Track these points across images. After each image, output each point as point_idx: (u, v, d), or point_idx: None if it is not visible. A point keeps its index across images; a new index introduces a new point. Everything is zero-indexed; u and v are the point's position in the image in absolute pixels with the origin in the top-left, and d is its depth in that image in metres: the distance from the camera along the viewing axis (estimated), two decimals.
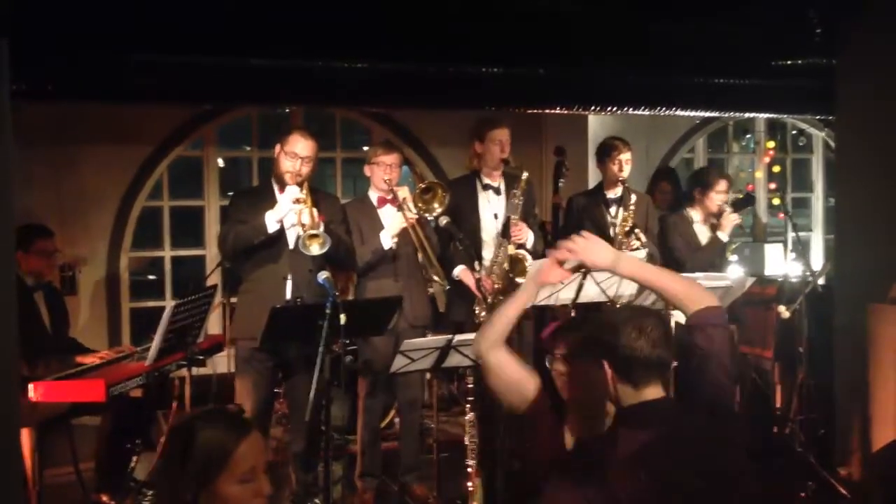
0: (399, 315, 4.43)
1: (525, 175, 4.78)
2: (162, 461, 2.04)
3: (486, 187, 4.88)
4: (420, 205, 4.55)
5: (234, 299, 5.22)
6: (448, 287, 4.77)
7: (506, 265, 4.69)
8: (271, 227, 4.25)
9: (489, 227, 4.84)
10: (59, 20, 3.97)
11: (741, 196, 5.73)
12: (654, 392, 2.30)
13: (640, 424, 2.27)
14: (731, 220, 5.28)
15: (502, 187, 4.89)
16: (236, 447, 1.96)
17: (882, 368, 4.37)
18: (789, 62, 5.26)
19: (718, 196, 5.31)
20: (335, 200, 4.79)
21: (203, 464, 1.94)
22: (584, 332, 2.58)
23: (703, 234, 5.39)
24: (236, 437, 1.97)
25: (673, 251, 5.36)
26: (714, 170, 5.99)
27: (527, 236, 4.75)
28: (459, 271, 4.70)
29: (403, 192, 4.59)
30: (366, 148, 7.97)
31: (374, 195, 4.74)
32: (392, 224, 4.55)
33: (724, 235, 5.31)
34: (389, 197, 4.63)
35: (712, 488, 2.21)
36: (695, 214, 5.41)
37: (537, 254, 4.75)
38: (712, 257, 5.28)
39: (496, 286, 4.69)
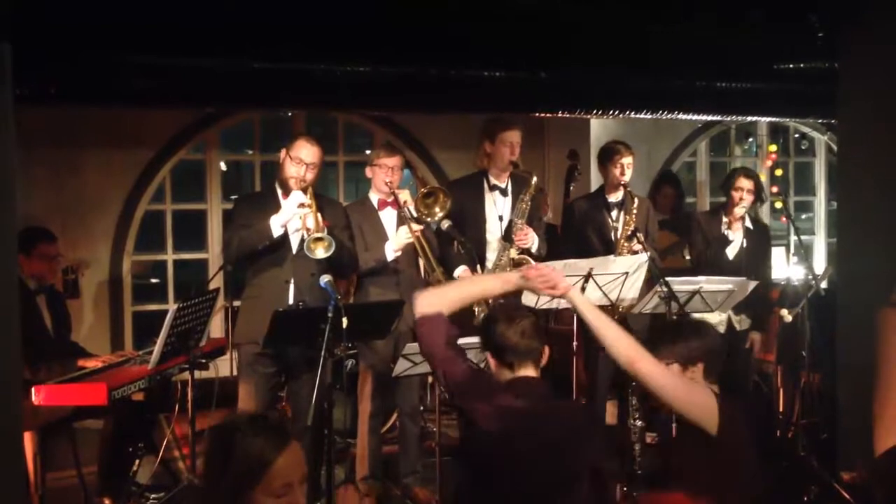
0: (400, 318, 4.43)
1: (535, 180, 4.78)
2: (203, 465, 2.02)
3: (493, 188, 4.86)
4: (422, 209, 4.55)
5: (236, 303, 5.22)
6: None
7: (509, 269, 4.68)
8: (276, 231, 4.25)
9: (494, 229, 4.83)
10: (61, 24, 3.98)
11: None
12: (527, 371, 2.81)
13: (516, 394, 2.75)
14: (736, 214, 5.31)
15: (510, 188, 4.88)
16: (274, 460, 1.92)
17: (886, 372, 4.36)
18: (791, 66, 5.27)
19: (737, 193, 5.32)
20: (339, 206, 4.80)
21: (240, 474, 1.91)
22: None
23: (729, 235, 5.42)
24: (275, 449, 1.94)
25: (692, 247, 5.40)
26: (740, 168, 5.97)
27: (532, 240, 4.75)
28: (461, 272, 4.69)
29: (404, 195, 4.59)
30: (368, 151, 7.98)
31: (374, 197, 4.73)
32: (397, 237, 4.53)
33: (730, 233, 5.34)
34: (390, 199, 4.63)
35: (551, 464, 2.65)
36: (725, 217, 5.44)
37: (541, 257, 4.75)
38: (719, 252, 5.31)
39: None
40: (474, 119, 5.34)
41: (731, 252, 5.35)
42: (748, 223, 5.41)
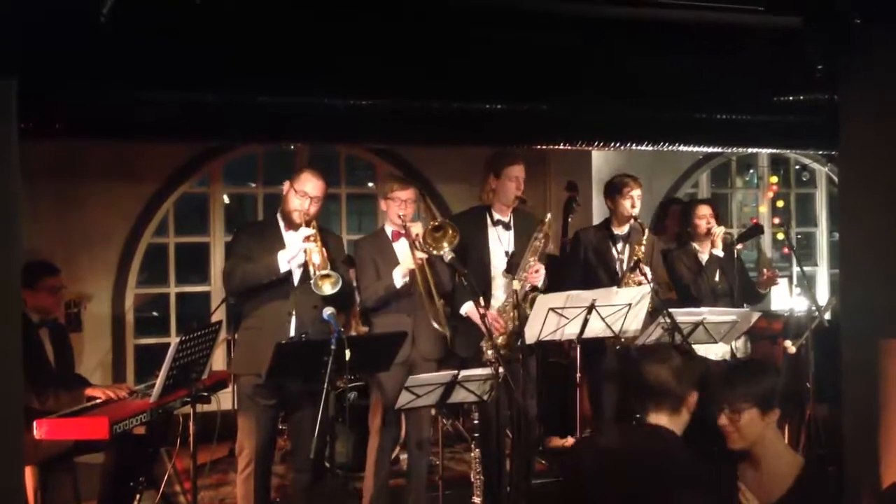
0: (413, 348, 4.41)
1: (548, 217, 4.78)
2: None
3: (496, 223, 4.87)
4: (429, 241, 4.55)
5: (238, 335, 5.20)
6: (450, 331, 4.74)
7: (523, 304, 4.64)
8: (283, 267, 4.25)
9: (498, 264, 4.81)
10: (66, 59, 4.02)
11: (747, 228, 5.79)
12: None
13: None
14: (718, 232, 5.38)
15: (513, 223, 4.88)
16: None
17: (892, 404, 4.34)
18: (791, 97, 5.29)
19: (701, 220, 5.45)
20: (339, 240, 4.81)
21: None
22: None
23: (717, 253, 5.44)
24: None
25: (679, 279, 5.41)
26: (693, 200, 6.19)
27: (541, 278, 4.73)
28: (468, 309, 4.67)
29: (417, 229, 4.58)
30: (371, 184, 8.03)
31: (389, 229, 4.73)
32: (403, 263, 4.54)
33: (717, 251, 5.40)
34: (403, 231, 4.63)
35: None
36: (697, 246, 5.47)
37: (544, 290, 4.74)
38: (713, 275, 5.34)
39: (508, 326, 4.65)
40: (476, 152, 5.36)
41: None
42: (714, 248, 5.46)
